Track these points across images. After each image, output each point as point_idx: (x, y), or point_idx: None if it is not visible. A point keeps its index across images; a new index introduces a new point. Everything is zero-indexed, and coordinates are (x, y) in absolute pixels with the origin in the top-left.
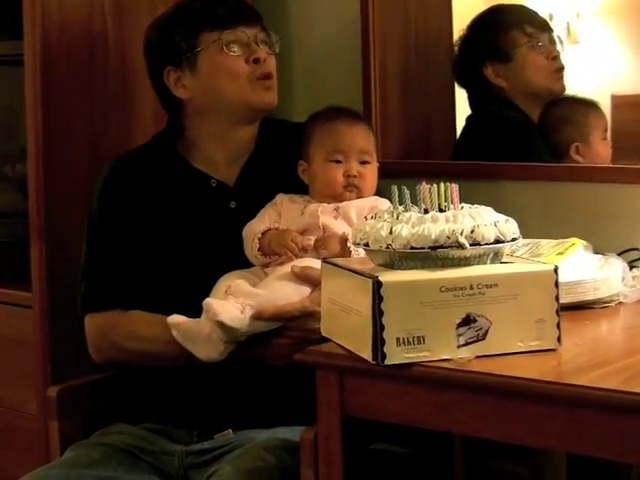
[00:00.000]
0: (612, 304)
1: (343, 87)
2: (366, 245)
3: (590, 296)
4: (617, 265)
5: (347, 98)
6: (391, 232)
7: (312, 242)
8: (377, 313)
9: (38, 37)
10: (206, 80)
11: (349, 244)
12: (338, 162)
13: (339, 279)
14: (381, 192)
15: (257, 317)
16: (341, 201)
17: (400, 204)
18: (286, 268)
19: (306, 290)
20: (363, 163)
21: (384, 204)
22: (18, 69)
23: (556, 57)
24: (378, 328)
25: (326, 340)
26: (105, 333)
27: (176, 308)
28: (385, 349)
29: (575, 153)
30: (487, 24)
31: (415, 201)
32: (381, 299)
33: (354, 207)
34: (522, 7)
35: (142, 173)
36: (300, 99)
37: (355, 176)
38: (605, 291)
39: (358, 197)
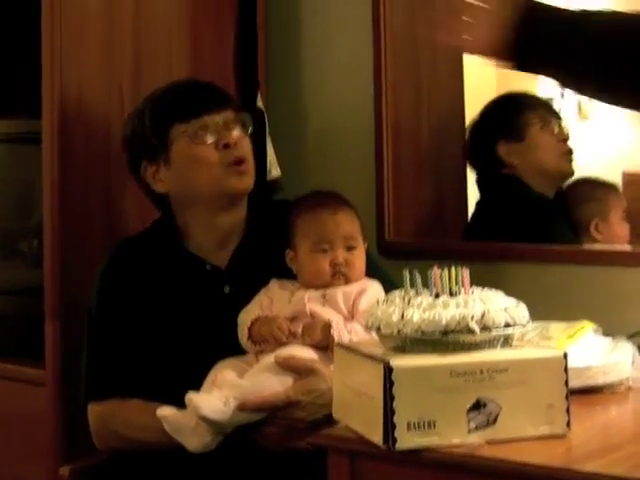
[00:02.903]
0: (622, 388)
1: (356, 167)
2: (378, 329)
3: (600, 380)
4: (627, 349)
5: (360, 178)
6: (402, 317)
7: (300, 329)
8: (388, 398)
9: (56, 116)
10: (180, 172)
11: (332, 331)
12: (324, 251)
13: (351, 362)
14: (392, 274)
15: (241, 408)
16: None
17: (411, 287)
18: (271, 358)
19: (290, 379)
20: (350, 249)
21: (372, 287)
22: (36, 147)
23: (565, 140)
24: (389, 413)
25: (320, 426)
26: (105, 422)
27: (175, 394)
28: (396, 434)
29: (594, 229)
30: (502, 105)
31: (426, 283)
32: (392, 384)
33: (341, 293)
34: (534, 95)
35: (140, 260)
36: (312, 174)
37: (342, 264)
38: (615, 375)
39: (346, 283)
